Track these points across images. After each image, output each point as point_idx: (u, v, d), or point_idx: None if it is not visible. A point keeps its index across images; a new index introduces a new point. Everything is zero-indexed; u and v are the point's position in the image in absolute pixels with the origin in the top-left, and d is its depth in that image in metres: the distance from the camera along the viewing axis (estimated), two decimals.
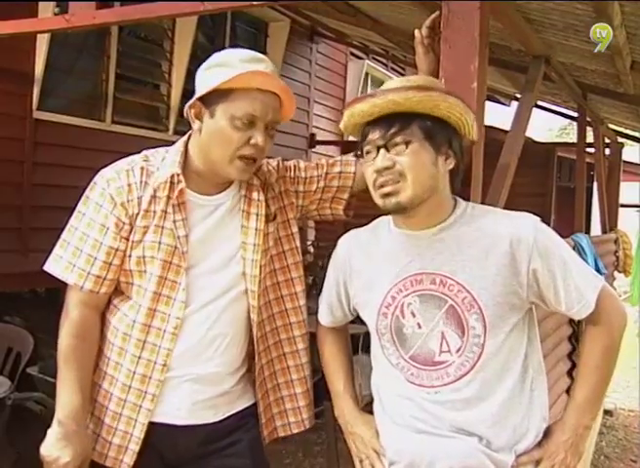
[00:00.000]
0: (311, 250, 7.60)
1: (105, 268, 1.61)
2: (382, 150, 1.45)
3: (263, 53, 6.13)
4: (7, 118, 4.28)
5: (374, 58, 8.87)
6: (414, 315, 1.51)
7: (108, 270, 1.61)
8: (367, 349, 1.75)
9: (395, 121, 1.44)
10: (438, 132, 1.46)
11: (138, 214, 1.60)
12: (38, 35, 4.05)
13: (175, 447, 1.67)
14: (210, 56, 1.64)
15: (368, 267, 1.61)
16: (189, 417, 1.66)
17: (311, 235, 7.82)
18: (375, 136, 1.47)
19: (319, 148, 7.85)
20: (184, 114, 1.65)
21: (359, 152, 1.53)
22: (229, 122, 1.55)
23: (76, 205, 1.67)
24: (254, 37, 6.81)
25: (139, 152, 1.71)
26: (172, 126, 5.51)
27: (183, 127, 5.63)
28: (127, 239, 1.60)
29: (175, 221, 1.60)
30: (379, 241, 1.61)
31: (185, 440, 1.66)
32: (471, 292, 1.46)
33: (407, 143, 1.44)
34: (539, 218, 1.53)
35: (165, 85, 5.49)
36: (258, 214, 1.69)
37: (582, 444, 1.53)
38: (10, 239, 4.25)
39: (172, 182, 1.61)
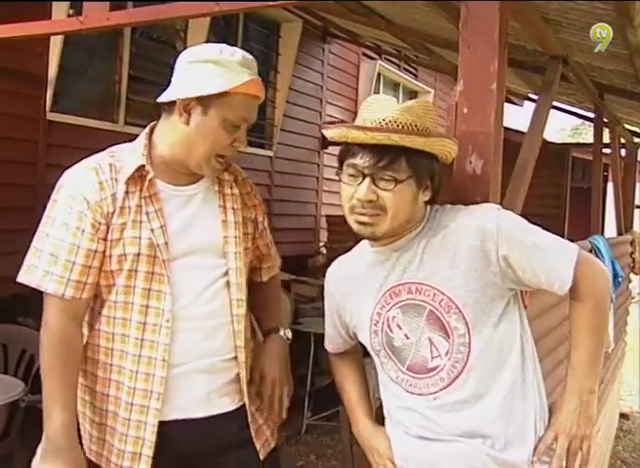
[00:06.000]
0: (324, 251, 7.58)
1: (85, 272, 1.56)
2: (368, 180, 1.44)
3: (276, 53, 6.10)
4: (20, 120, 4.29)
5: (386, 59, 8.84)
6: (400, 327, 1.52)
7: (88, 274, 1.56)
8: None
9: (385, 153, 1.42)
10: (424, 167, 1.47)
11: (113, 212, 1.56)
12: (51, 37, 4.06)
13: (193, 441, 1.65)
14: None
15: (354, 290, 1.63)
16: (207, 408, 1.65)
17: (323, 236, 7.81)
18: (362, 162, 1.44)
19: (332, 149, 7.83)
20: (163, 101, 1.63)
21: (339, 167, 1.51)
22: (221, 123, 1.57)
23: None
24: (266, 38, 6.80)
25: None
26: None
27: None
28: (104, 239, 1.56)
29: (148, 213, 1.57)
30: (360, 262, 1.63)
31: (206, 431, 1.65)
32: (446, 294, 1.46)
33: (395, 181, 1.43)
34: (499, 205, 1.53)
35: None
36: (234, 209, 1.71)
37: (591, 409, 1.51)
38: (23, 240, 4.24)
39: (140, 175, 1.59)
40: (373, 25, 4.92)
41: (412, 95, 10.26)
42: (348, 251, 1.73)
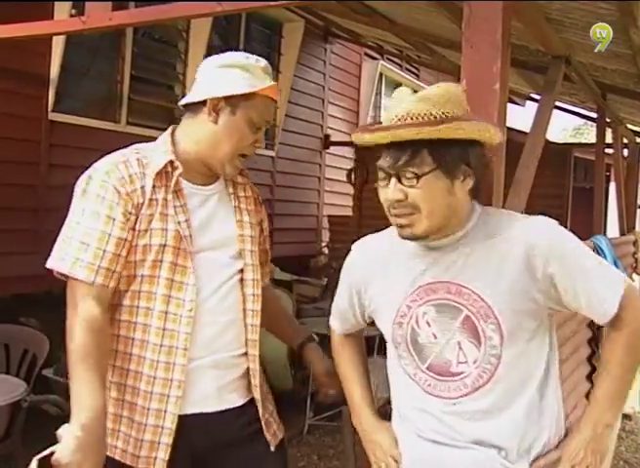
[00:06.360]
0: (325, 251, 7.59)
1: (115, 260, 1.59)
2: (394, 179, 1.40)
3: (278, 53, 6.10)
4: (22, 120, 4.29)
5: (388, 59, 8.85)
6: (429, 325, 1.48)
7: (117, 262, 1.59)
8: (383, 351, 1.73)
9: (405, 149, 1.37)
10: (452, 155, 1.39)
11: (143, 203, 1.62)
12: (54, 37, 4.05)
13: (206, 435, 1.69)
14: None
15: (383, 275, 1.57)
16: (217, 403, 1.71)
17: (325, 236, 7.81)
18: (385, 162, 1.41)
19: (333, 149, 7.83)
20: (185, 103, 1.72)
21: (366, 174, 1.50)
22: (247, 122, 1.68)
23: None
24: (268, 38, 6.80)
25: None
26: None
27: None
28: (133, 229, 1.61)
29: (175, 207, 1.64)
30: (393, 248, 1.56)
31: (217, 424, 1.71)
32: (487, 301, 1.42)
33: (418, 176, 1.37)
34: (555, 221, 1.48)
35: (179, 86, 5.49)
36: (248, 210, 1.81)
37: (603, 442, 1.48)
38: (25, 241, 4.26)
39: (166, 171, 1.66)
40: (375, 25, 4.91)
41: None
42: (350, 251, 1.70)
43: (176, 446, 1.62)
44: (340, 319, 1.73)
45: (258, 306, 1.76)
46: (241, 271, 1.75)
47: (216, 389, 1.70)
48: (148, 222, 1.62)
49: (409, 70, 9.68)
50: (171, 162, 1.66)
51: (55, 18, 3.88)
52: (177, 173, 1.65)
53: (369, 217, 6.92)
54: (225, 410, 1.72)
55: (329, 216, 7.80)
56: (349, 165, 7.97)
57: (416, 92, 1.46)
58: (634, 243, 5.23)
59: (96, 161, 1.68)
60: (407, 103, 1.40)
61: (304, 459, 4.22)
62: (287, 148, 7.01)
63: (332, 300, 1.78)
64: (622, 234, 5.25)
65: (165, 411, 1.63)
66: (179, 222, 1.63)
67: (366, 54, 8.47)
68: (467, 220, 1.47)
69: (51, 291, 5.15)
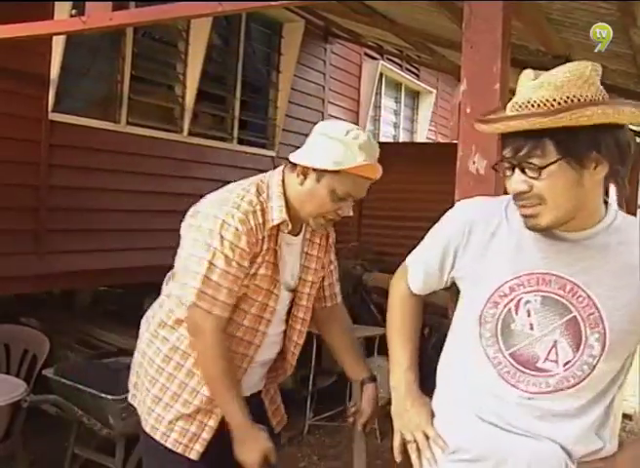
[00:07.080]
0: None
1: (235, 296, 1.83)
2: (517, 170, 1.33)
3: (278, 53, 6.08)
4: (23, 120, 4.28)
5: (388, 59, 8.84)
6: (529, 314, 1.41)
7: (233, 297, 1.83)
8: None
9: (526, 139, 1.29)
10: (579, 142, 1.28)
11: (260, 252, 1.83)
12: (54, 37, 4.05)
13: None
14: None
15: (490, 246, 1.47)
16: (252, 389, 2.02)
17: None
18: (507, 152, 1.34)
19: None
20: (292, 163, 1.91)
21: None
22: (329, 193, 1.81)
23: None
24: (268, 38, 6.80)
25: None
26: (186, 127, 5.50)
27: (198, 128, 5.63)
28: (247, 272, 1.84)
29: (276, 257, 1.87)
30: (510, 222, 1.45)
31: (253, 404, 1.96)
32: (601, 311, 1.36)
33: (541, 168, 1.29)
34: None
35: (180, 86, 5.48)
36: (317, 257, 2.01)
37: None
38: (26, 241, 4.25)
39: (279, 224, 1.86)
40: (375, 25, 4.92)
41: (414, 95, 10.26)
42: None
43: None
44: (422, 277, 1.63)
45: (304, 329, 2.03)
46: (292, 302, 2.00)
47: (258, 379, 2.03)
48: (257, 268, 1.84)
49: (409, 70, 9.67)
50: (284, 220, 1.85)
51: (55, 18, 3.88)
52: (286, 230, 1.87)
53: (369, 217, 6.91)
54: (255, 393, 2.03)
55: None
56: None
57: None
58: None
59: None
60: (526, 91, 1.31)
61: (305, 460, 4.22)
62: (287, 148, 6.97)
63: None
64: None
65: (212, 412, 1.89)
66: (274, 271, 1.87)
67: (366, 54, 8.46)
68: (600, 219, 1.39)
69: (51, 291, 5.16)
